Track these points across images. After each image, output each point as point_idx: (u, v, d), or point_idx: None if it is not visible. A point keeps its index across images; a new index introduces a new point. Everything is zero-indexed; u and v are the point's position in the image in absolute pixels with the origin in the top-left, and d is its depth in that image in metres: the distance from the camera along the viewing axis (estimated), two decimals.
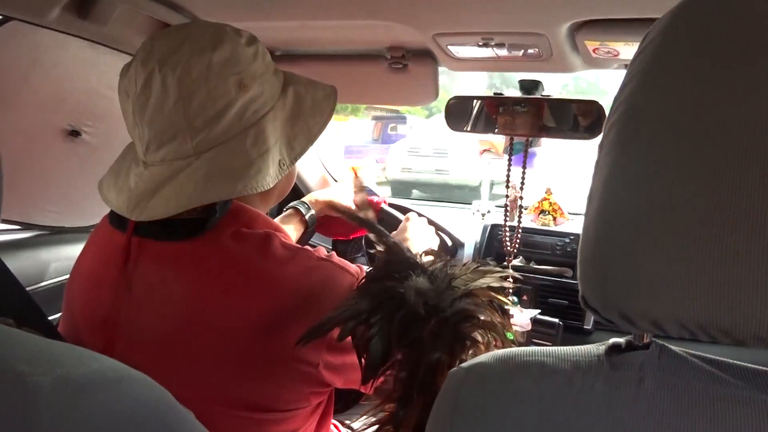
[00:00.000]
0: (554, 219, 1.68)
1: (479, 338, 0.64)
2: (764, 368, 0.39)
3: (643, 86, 0.41)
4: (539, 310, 1.45)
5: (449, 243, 1.64)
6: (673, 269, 0.37)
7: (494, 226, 1.62)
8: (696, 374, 0.39)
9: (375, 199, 1.49)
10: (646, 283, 0.38)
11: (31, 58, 0.99)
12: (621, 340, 0.44)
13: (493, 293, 0.65)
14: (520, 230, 1.36)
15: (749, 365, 0.40)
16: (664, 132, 0.38)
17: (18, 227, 1.23)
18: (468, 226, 1.68)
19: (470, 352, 0.61)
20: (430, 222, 1.39)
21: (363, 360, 0.62)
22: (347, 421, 1.15)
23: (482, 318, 0.64)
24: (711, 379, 0.38)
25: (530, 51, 1.03)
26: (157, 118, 0.70)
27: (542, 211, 1.70)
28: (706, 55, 0.37)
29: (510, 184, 1.36)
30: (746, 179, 0.35)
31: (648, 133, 0.39)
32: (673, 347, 0.42)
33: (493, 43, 1.00)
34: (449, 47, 1.07)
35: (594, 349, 0.44)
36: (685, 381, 0.39)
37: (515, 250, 1.38)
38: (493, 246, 1.59)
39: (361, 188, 0.79)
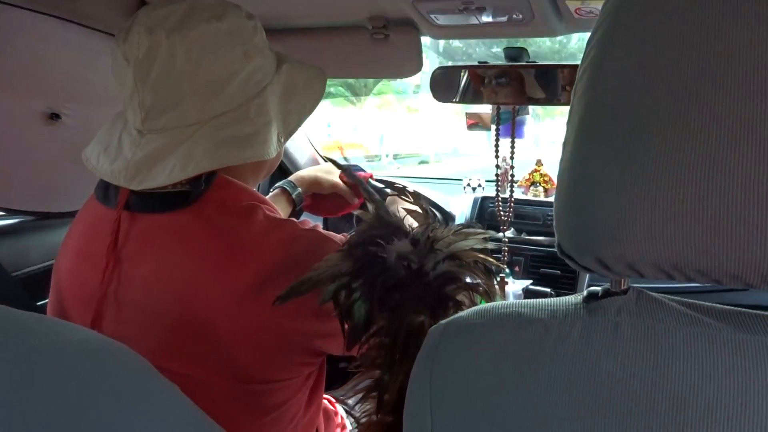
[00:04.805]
0: (545, 191, 1.67)
1: (465, 300, 0.63)
2: (742, 309, 0.38)
3: (613, 28, 0.39)
4: (531, 280, 1.45)
5: (440, 216, 1.64)
6: (648, 212, 0.36)
7: (484, 199, 1.62)
8: (673, 317, 0.38)
9: (361, 174, 1.48)
10: (621, 227, 0.37)
11: (1, 39, 0.97)
12: (598, 288, 0.43)
13: (477, 254, 0.64)
14: (512, 202, 1.36)
15: (727, 307, 0.39)
16: (633, 74, 0.37)
17: (1, 213, 1.22)
18: (459, 200, 1.67)
19: (451, 312, 0.60)
20: (420, 195, 1.38)
21: (346, 325, 0.62)
22: (342, 396, 1.15)
23: (466, 280, 0.63)
24: (688, 321, 0.38)
25: (512, 15, 1.01)
26: (162, 83, 0.69)
27: (533, 183, 1.69)
28: None
29: (500, 156, 1.35)
30: (718, 119, 0.34)
31: (617, 76, 0.38)
32: (651, 293, 0.42)
33: (473, 7, 0.98)
34: (430, 14, 1.05)
35: (572, 298, 0.43)
36: (662, 323, 0.38)
37: (509, 220, 1.37)
38: (483, 218, 1.59)
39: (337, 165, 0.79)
